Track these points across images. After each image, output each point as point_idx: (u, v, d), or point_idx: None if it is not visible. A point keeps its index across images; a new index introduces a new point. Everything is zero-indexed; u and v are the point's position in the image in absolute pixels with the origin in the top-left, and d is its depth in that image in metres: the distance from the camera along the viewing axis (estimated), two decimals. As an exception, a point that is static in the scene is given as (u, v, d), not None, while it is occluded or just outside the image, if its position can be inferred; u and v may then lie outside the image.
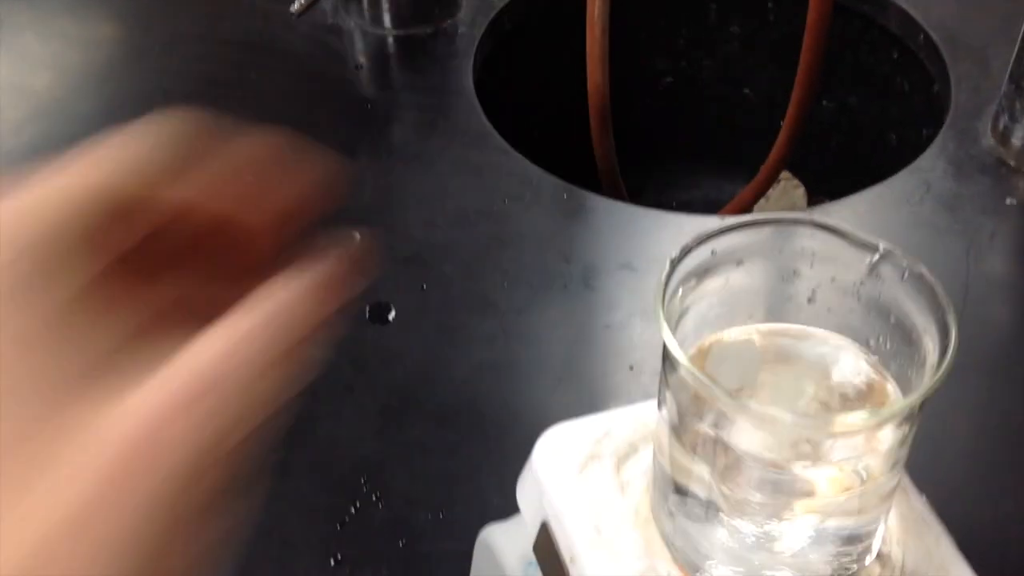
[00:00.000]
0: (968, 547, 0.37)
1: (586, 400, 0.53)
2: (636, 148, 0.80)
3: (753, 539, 0.32)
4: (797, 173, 0.82)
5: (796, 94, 0.70)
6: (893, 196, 0.61)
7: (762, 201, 0.78)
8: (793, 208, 0.79)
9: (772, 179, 0.75)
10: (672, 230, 0.61)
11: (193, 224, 0.24)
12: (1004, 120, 0.62)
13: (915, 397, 0.28)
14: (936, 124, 0.67)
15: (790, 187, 0.80)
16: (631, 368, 0.54)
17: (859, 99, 0.80)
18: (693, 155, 0.87)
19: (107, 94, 0.71)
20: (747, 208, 0.76)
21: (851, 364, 0.32)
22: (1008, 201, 0.60)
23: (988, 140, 0.63)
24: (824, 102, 0.79)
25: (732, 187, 0.80)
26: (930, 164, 0.63)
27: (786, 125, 0.72)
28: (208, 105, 0.76)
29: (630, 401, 0.51)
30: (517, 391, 0.53)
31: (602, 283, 0.58)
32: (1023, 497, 0.48)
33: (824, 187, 0.82)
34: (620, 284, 0.58)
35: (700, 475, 0.31)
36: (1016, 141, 0.61)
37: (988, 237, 0.59)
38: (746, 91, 0.85)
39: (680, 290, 0.32)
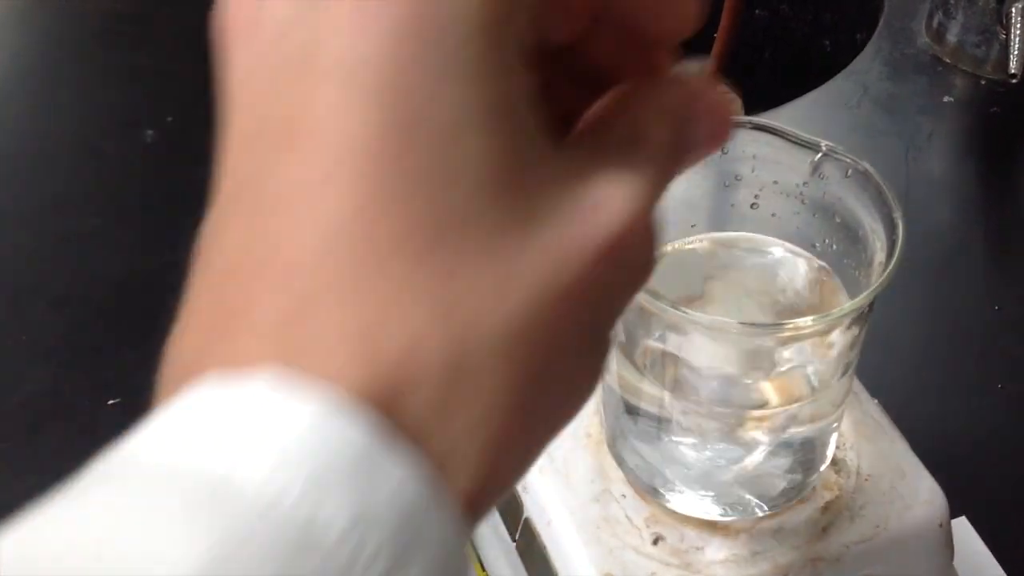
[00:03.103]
0: (919, 447, 0.37)
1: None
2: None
3: (708, 455, 0.31)
4: (733, 86, 0.81)
5: (728, 3, 0.68)
6: (830, 101, 0.60)
7: (699, 115, 0.77)
8: (731, 121, 0.78)
9: (708, 92, 0.74)
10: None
11: None
12: (938, 17, 0.61)
13: (863, 298, 0.27)
14: (870, 27, 0.65)
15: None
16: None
17: (791, 6, 0.78)
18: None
19: None
20: (685, 123, 0.75)
21: (798, 269, 0.31)
22: (945, 99, 0.60)
23: (923, 39, 0.62)
24: (756, 11, 0.78)
25: (669, 103, 0.79)
26: (866, 66, 0.62)
27: (719, 38, 0.70)
28: (120, 42, 0.71)
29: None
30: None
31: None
32: (968, 395, 0.48)
33: (760, 99, 0.80)
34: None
35: (651, 393, 0.30)
36: (951, 38, 0.60)
37: (926, 137, 0.58)
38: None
39: (619, 203, 0.30)
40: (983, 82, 0.59)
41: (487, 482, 0.16)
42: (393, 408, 0.15)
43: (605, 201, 0.17)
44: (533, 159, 0.17)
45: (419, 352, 0.15)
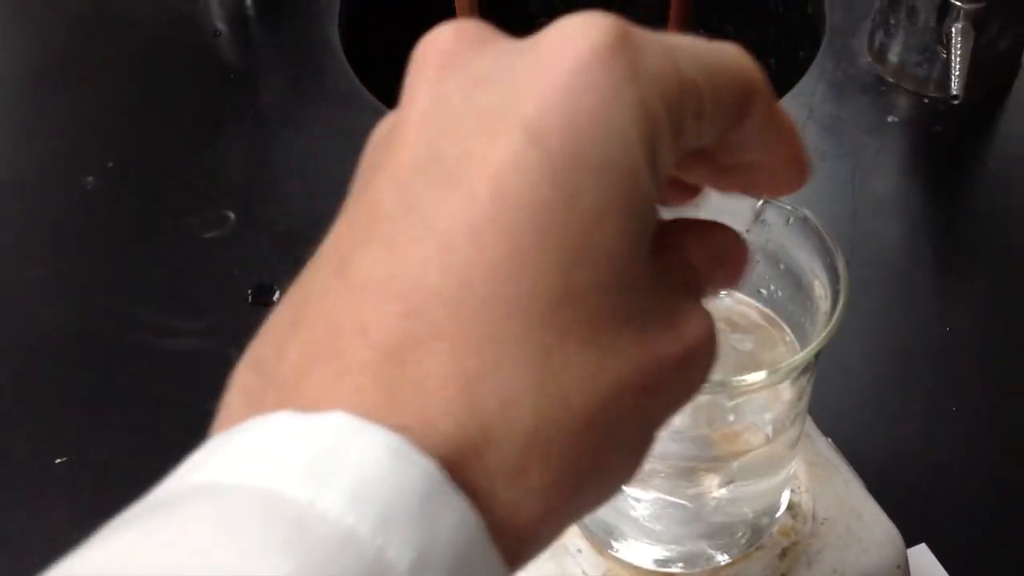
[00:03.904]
0: (873, 473, 0.37)
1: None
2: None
3: (662, 508, 0.31)
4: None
5: (671, 27, 0.68)
6: (777, 124, 0.60)
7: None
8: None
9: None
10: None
11: None
12: (880, 37, 0.61)
13: (810, 350, 0.27)
14: (814, 45, 0.66)
15: (675, 120, 0.79)
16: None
17: (735, 25, 0.79)
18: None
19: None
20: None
21: (745, 317, 0.31)
22: (889, 119, 0.60)
23: (865, 58, 0.63)
24: (700, 30, 0.78)
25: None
26: (810, 88, 0.62)
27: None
28: (56, 86, 0.70)
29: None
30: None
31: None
32: (922, 418, 0.48)
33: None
34: (511, 240, 0.56)
35: (601, 447, 0.30)
36: (893, 57, 0.61)
37: (872, 157, 0.58)
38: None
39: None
40: (926, 100, 0.60)
41: (531, 544, 0.18)
42: (472, 459, 0.17)
43: (688, 318, 0.19)
44: (645, 263, 0.19)
45: (509, 413, 0.17)
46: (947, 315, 0.51)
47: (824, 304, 0.28)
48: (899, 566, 0.32)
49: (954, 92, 0.53)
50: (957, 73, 0.52)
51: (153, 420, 0.49)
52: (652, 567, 0.31)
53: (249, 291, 0.54)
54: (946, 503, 0.45)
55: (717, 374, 0.30)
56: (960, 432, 0.47)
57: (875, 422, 0.48)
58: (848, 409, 0.48)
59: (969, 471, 0.46)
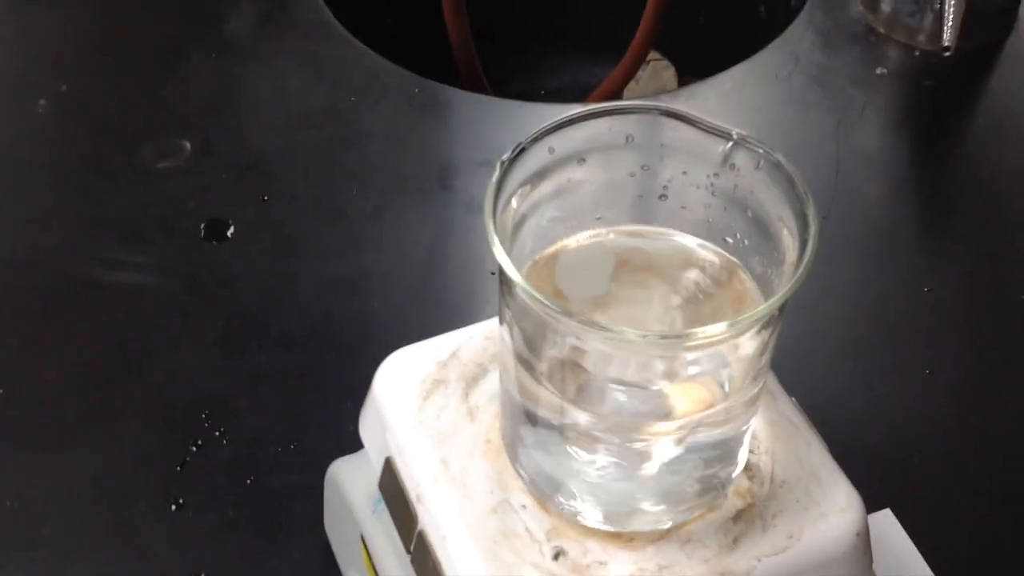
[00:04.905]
0: (840, 436, 0.35)
1: (446, 313, 0.49)
2: (500, 36, 0.75)
3: (613, 466, 0.29)
4: (667, 53, 0.78)
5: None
6: (761, 72, 0.58)
7: (632, 84, 0.74)
8: (663, 90, 0.76)
9: (640, 61, 0.71)
10: (533, 121, 0.57)
11: None
12: (872, -15, 0.59)
13: (774, 301, 0.25)
14: (804, -9, 0.63)
15: (660, 68, 0.77)
16: (493, 274, 0.50)
17: (727, -30, 0.76)
18: (559, 40, 0.82)
19: None
20: (616, 93, 0.72)
21: (708, 266, 0.29)
22: (878, 71, 0.58)
23: (856, 7, 0.60)
24: (692, -25, 0.75)
25: (603, 71, 0.76)
26: (798, 36, 0.59)
27: (650, 3, 0.68)
28: (15, 5, 0.66)
29: (494, 312, 0.48)
30: (371, 307, 0.49)
31: (460, 183, 0.54)
32: (895, 380, 0.46)
33: (696, 66, 0.78)
34: (479, 183, 0.54)
35: (551, 402, 0.28)
36: (885, 7, 0.58)
37: (859, 110, 0.56)
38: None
39: (516, 195, 0.28)
40: (917, 53, 0.58)
41: None
42: None
43: None
44: None
45: None
46: (927, 275, 0.50)
47: (792, 255, 0.26)
48: (858, 533, 0.30)
49: (945, 43, 0.50)
50: (950, 23, 0.50)
51: (92, 355, 0.47)
52: (599, 526, 0.29)
53: (202, 225, 0.52)
54: (913, 468, 0.43)
55: (674, 325, 0.28)
56: (933, 396, 0.46)
57: (847, 383, 0.46)
58: (819, 368, 0.47)
59: (939, 436, 0.45)
